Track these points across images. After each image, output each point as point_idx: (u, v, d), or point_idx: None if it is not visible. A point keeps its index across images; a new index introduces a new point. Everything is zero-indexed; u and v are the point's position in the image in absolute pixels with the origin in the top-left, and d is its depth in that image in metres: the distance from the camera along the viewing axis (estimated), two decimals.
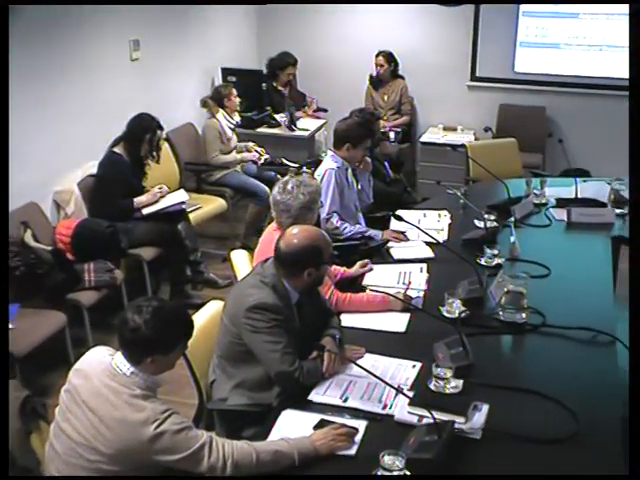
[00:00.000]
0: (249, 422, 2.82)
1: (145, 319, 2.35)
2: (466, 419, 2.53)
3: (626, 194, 4.79)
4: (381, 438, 2.48)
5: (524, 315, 3.29)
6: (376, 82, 7.57)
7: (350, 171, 4.63)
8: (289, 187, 3.54)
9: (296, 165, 6.35)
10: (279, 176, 5.61)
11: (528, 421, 2.62)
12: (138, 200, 5.22)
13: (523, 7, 7.45)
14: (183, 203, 5.43)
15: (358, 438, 2.48)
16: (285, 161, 6.53)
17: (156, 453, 2.28)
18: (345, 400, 2.71)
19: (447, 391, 2.74)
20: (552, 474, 2.37)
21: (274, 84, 7.30)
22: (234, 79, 6.97)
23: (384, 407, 2.66)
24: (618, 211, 4.68)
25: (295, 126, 6.95)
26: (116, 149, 5.19)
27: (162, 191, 5.33)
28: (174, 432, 2.29)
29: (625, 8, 6.95)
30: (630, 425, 2.17)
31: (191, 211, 5.65)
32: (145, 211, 5.24)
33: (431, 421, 2.42)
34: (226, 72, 7.15)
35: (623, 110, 7.34)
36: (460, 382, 2.77)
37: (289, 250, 2.89)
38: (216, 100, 6.30)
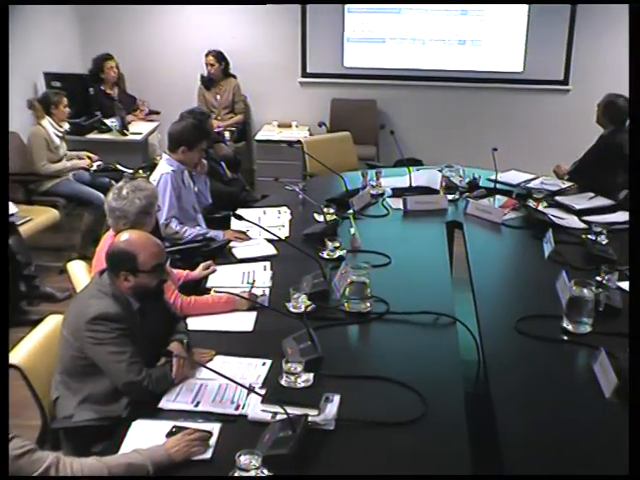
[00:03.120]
0: (98, 437, 2.71)
1: None
2: (319, 411, 2.55)
3: (456, 180, 5.00)
4: (236, 439, 2.45)
5: (368, 304, 3.35)
6: (208, 82, 7.52)
7: (187, 173, 4.57)
8: (124, 192, 3.44)
9: (130, 170, 6.19)
10: (113, 182, 5.45)
11: (379, 407, 2.67)
12: None
13: (348, 4, 7.62)
14: (12, 216, 5.16)
15: (213, 441, 2.44)
16: (119, 166, 6.35)
17: None
18: (197, 404, 2.66)
19: (298, 385, 2.75)
20: (405, 455, 2.43)
21: (102, 87, 7.08)
22: (59, 84, 6.68)
23: (237, 407, 2.64)
24: (450, 197, 4.88)
25: (127, 130, 6.78)
26: None
27: None
28: (15, 457, 2.16)
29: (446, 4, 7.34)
30: (630, 425, 2.25)
31: (21, 224, 5.38)
32: None
33: (285, 417, 2.42)
34: (49, 77, 6.84)
35: (449, 100, 7.75)
36: (311, 375, 2.79)
37: (107, 252, 2.88)
38: (43, 105, 6.02)
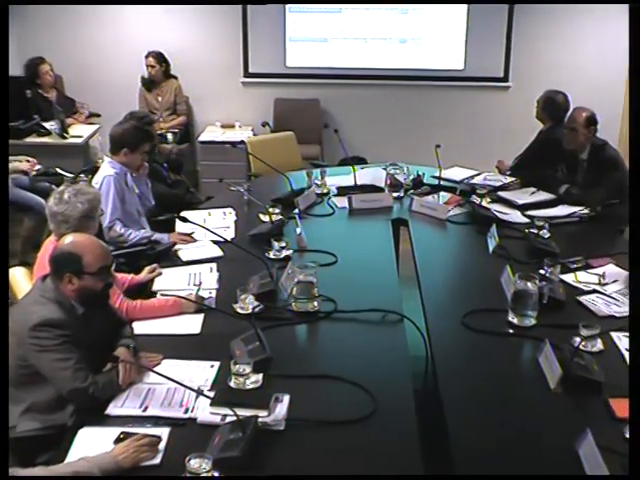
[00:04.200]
0: (43, 447, 2.66)
1: None
2: (269, 412, 2.54)
3: (401, 177, 5.03)
4: (186, 443, 2.42)
5: (316, 303, 3.35)
6: (149, 83, 7.44)
7: (130, 176, 4.51)
8: (66, 197, 3.40)
9: (71, 174, 6.08)
10: (54, 186, 5.35)
11: (329, 405, 2.68)
12: None
13: (289, 4, 7.61)
14: None
15: (162, 446, 2.41)
16: (59, 170, 6.23)
17: None
18: (145, 409, 2.63)
19: (248, 387, 2.74)
20: (355, 454, 2.43)
21: (39, 91, 6.95)
22: None
23: (186, 411, 2.61)
24: (395, 195, 4.91)
25: (67, 133, 6.66)
26: None
27: None
28: None
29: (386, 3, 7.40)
30: (630, 424, 2.26)
31: None
32: None
33: (234, 418, 2.41)
34: None
35: (391, 98, 7.80)
36: (260, 376, 2.78)
37: (51, 255, 2.84)
38: None
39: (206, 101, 7.84)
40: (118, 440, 2.42)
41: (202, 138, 7.56)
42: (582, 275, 3.75)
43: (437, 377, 2.90)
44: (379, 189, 4.97)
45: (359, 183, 5.04)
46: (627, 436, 2.44)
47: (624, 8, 7.38)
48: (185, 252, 4.03)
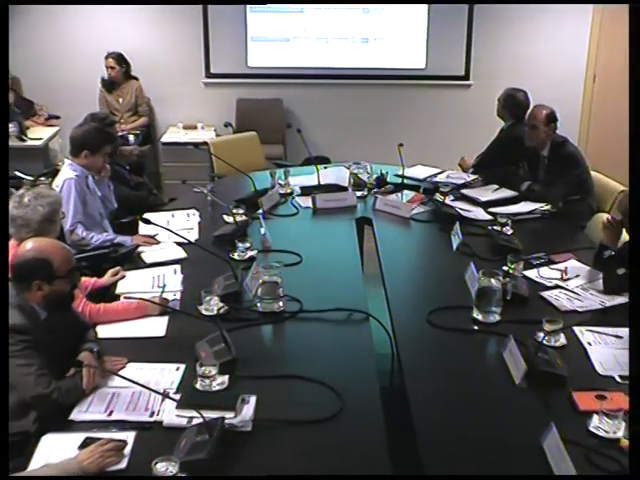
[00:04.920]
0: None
1: None
2: (235, 413, 2.53)
3: (364, 176, 5.04)
4: (152, 446, 2.40)
5: (281, 304, 3.34)
6: (109, 85, 7.36)
7: (91, 178, 4.46)
8: (26, 200, 3.36)
9: (31, 177, 6.00)
10: (13, 190, 5.26)
11: (295, 405, 2.67)
12: None
13: (250, 4, 7.60)
14: None
15: (128, 450, 2.39)
16: (18, 173, 6.13)
17: None
18: (110, 414, 2.60)
19: (214, 388, 2.72)
20: (323, 453, 2.43)
21: None
22: None
23: (152, 414, 2.59)
24: (359, 193, 4.92)
25: (25, 136, 6.58)
26: None
27: None
28: None
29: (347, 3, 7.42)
30: (630, 424, 2.26)
31: None
32: None
33: (201, 421, 2.39)
34: None
35: (354, 97, 7.82)
36: (226, 377, 2.77)
37: (16, 263, 2.78)
38: None
39: (168, 102, 7.79)
40: (83, 446, 2.39)
41: (164, 139, 7.50)
42: (545, 271, 3.78)
43: (403, 374, 2.91)
44: (343, 188, 4.98)
45: (323, 183, 5.04)
46: (591, 429, 2.48)
47: (580, 7, 7.51)
48: (148, 254, 4.00)
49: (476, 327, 3.25)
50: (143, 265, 3.89)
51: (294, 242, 4.12)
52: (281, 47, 7.78)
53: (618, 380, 2.81)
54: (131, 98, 7.41)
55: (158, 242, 4.13)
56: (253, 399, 2.64)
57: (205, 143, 6.41)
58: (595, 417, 2.51)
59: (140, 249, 4.06)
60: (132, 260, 3.97)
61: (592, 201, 4.90)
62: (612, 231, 3.74)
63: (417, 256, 4.38)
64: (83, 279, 3.54)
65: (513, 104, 5.54)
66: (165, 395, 2.59)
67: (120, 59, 7.28)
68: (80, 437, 2.45)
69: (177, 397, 2.61)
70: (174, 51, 7.66)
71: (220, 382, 2.75)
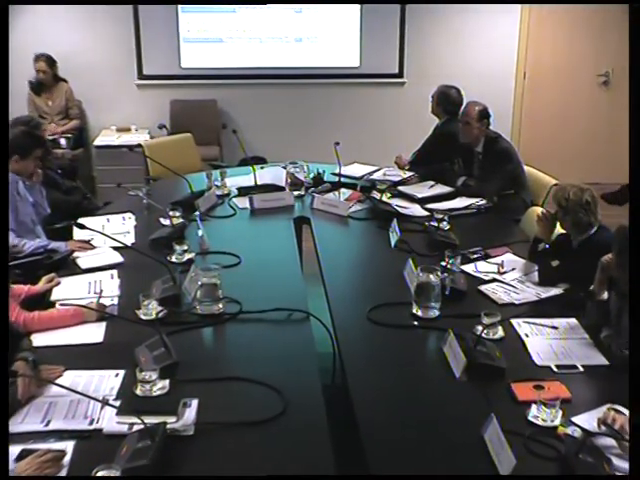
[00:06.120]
0: None
1: None
2: (177, 418, 2.50)
3: (301, 176, 5.04)
4: (93, 455, 2.36)
5: (221, 305, 3.32)
6: (37, 87, 7.22)
7: (22, 184, 4.36)
8: None
9: None
10: None
11: (238, 407, 2.65)
12: None
13: (182, 5, 7.53)
14: None
15: (67, 460, 2.34)
16: None
17: None
18: (47, 424, 2.54)
19: (154, 393, 2.69)
20: (267, 454, 2.42)
21: None
22: None
23: (91, 422, 2.54)
24: (296, 193, 4.92)
25: None
26: None
27: None
28: None
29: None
30: (630, 423, 2.26)
31: None
32: None
33: (142, 427, 2.35)
34: None
35: (289, 97, 7.81)
36: (167, 382, 2.73)
37: None
38: None
39: (100, 104, 7.67)
40: (20, 458, 2.33)
41: (97, 142, 7.39)
42: (482, 265, 3.84)
43: (345, 372, 2.91)
44: (280, 188, 4.97)
45: (259, 183, 5.03)
46: (530, 419, 2.53)
47: (508, 6, 7.66)
48: (84, 260, 3.92)
49: (416, 323, 3.27)
50: (79, 271, 3.82)
51: (232, 243, 4.10)
52: (214, 48, 7.73)
53: (555, 370, 2.87)
54: (61, 101, 7.27)
55: (93, 247, 4.05)
56: (195, 403, 2.61)
57: (139, 145, 6.33)
58: (533, 407, 2.55)
59: (75, 255, 3.99)
60: (67, 266, 3.90)
61: (526, 195, 4.99)
62: (546, 224, 3.81)
63: (356, 254, 4.40)
64: (16, 287, 3.45)
65: (447, 101, 5.60)
66: (104, 402, 2.55)
67: (49, 61, 7.14)
68: (16, 449, 2.38)
69: (117, 404, 2.56)
70: (105, 53, 7.54)
71: (161, 387, 2.71)
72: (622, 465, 2.31)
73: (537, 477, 2.32)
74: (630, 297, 2.66)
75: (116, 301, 3.44)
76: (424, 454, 2.44)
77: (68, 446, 2.40)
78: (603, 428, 2.44)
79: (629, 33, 3.06)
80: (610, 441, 2.39)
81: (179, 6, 7.52)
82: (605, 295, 3.21)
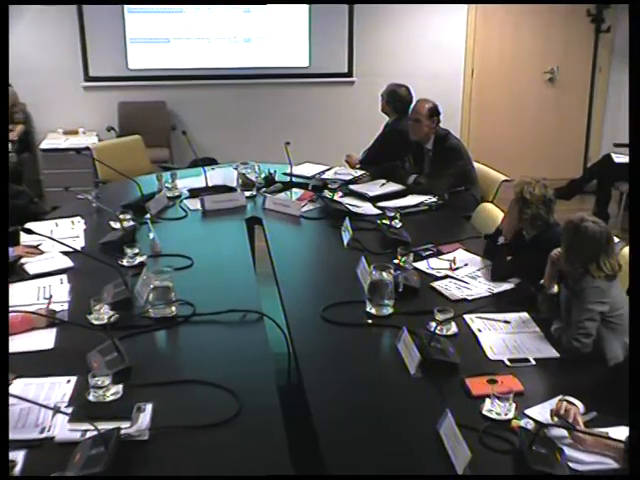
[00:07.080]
0: None
1: None
2: (131, 423, 2.47)
3: (252, 176, 5.02)
4: (45, 464, 2.32)
5: (174, 308, 3.28)
6: None
7: None
8: None
9: None
10: None
11: (193, 410, 2.63)
12: None
13: (128, 5, 7.45)
14: None
15: (18, 470, 2.29)
16: None
17: None
18: None
19: (108, 399, 2.65)
20: (223, 456, 2.40)
21: None
22: None
23: (42, 430, 2.49)
24: (247, 193, 4.90)
25: None
26: None
27: None
28: None
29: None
30: (630, 423, 2.25)
31: None
32: None
33: (95, 433, 2.32)
34: None
35: (239, 97, 7.79)
36: (120, 387, 2.70)
37: None
38: None
39: (46, 107, 7.54)
40: None
41: (44, 146, 7.27)
42: (434, 262, 3.87)
43: (300, 372, 2.91)
44: (231, 189, 4.95)
45: (211, 184, 5.00)
46: (484, 413, 2.55)
47: (457, 5, 7.75)
48: (32, 265, 3.85)
49: (370, 321, 3.28)
50: (27, 277, 3.74)
51: (184, 245, 4.07)
52: (162, 48, 7.66)
53: (507, 364, 2.90)
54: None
55: (42, 252, 3.98)
56: (149, 407, 2.58)
57: (87, 148, 6.26)
58: (487, 401, 2.58)
59: (23, 260, 3.91)
60: (15, 272, 3.81)
61: (476, 192, 5.04)
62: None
63: (309, 253, 4.40)
64: None
65: (396, 99, 5.63)
66: (56, 409, 2.50)
67: None
68: None
69: (69, 410, 2.52)
70: (50, 54, 7.41)
71: (114, 392, 2.67)
72: (574, 454, 2.35)
73: (492, 477, 2.35)
74: (630, 297, 2.69)
75: (66, 306, 3.38)
76: (381, 451, 2.44)
77: (19, 455, 2.35)
78: (556, 419, 2.48)
79: (629, 33, 3.05)
80: (561, 431, 2.43)
81: (125, 6, 7.43)
82: (555, 289, 3.26)
